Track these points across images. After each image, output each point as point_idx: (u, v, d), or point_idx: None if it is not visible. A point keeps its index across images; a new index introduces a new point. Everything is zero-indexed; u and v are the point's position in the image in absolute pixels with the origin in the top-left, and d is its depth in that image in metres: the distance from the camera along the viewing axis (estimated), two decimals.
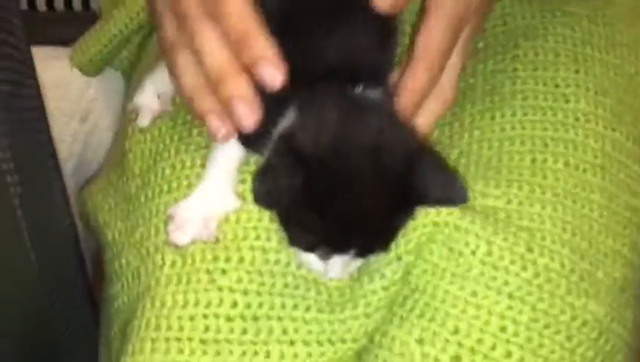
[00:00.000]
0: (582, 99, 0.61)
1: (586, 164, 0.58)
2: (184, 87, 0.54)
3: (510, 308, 0.53)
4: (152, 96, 0.64)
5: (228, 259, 0.55)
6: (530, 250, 0.54)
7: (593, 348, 0.54)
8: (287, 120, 0.51)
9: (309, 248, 0.51)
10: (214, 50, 0.51)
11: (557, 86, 0.61)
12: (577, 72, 0.62)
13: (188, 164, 0.58)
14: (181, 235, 0.55)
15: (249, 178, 0.57)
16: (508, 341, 0.53)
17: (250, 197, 0.56)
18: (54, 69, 0.81)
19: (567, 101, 0.60)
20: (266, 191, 0.49)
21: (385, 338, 0.54)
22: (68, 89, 0.81)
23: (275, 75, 0.49)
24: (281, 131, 0.50)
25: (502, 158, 0.59)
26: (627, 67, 0.63)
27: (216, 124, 0.52)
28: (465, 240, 0.53)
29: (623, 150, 0.60)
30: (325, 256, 0.51)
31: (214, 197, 0.56)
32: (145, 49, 0.74)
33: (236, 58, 0.50)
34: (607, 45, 0.64)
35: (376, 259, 0.54)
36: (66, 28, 0.88)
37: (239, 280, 0.55)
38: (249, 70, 0.50)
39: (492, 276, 0.53)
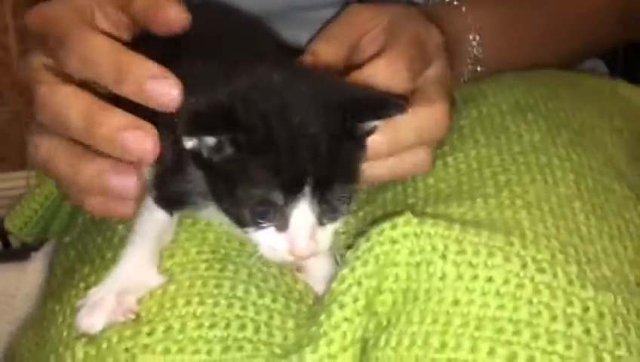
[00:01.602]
0: (536, 133, 0.55)
1: (556, 179, 0.51)
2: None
3: (502, 306, 0.42)
4: None
5: (152, 332, 0.45)
6: (510, 243, 0.45)
7: (624, 344, 0.41)
8: None
9: (262, 206, 0.43)
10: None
11: (507, 128, 0.56)
12: (525, 116, 0.57)
13: (109, 256, 0.51)
14: (92, 320, 0.46)
15: (177, 253, 0.49)
16: (509, 342, 0.41)
17: (178, 269, 0.48)
18: None
19: (521, 136, 0.55)
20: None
21: None
22: (13, 298, 0.76)
23: (171, 89, 0.43)
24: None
25: (461, 188, 0.51)
26: (572, 121, 0.58)
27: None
28: (430, 245, 0.44)
29: (594, 168, 0.53)
30: (282, 218, 0.43)
31: (131, 271, 0.48)
32: (75, 216, 0.68)
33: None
34: (550, 100, 0.60)
35: (330, 294, 0.44)
36: None
37: (166, 351, 0.44)
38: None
39: (472, 276, 0.43)
